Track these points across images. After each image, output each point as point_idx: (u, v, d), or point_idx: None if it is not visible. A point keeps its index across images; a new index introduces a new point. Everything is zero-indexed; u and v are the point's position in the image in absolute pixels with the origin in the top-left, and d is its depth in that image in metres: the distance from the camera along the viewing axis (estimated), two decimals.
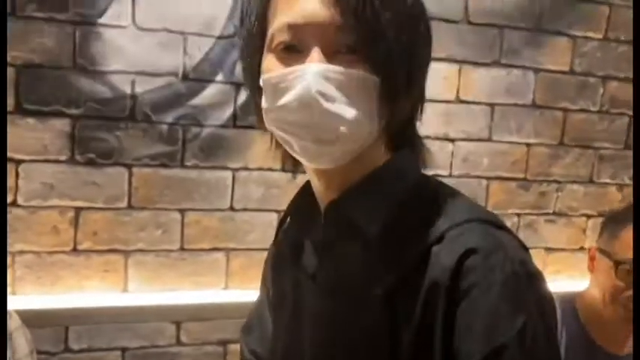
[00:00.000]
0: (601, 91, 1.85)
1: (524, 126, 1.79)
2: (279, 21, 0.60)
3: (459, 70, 1.70)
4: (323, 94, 0.57)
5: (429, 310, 0.58)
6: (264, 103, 0.63)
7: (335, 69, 0.57)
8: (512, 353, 0.55)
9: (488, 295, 0.56)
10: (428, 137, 1.69)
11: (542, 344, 0.56)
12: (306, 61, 0.58)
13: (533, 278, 0.59)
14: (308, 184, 0.71)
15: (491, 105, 1.75)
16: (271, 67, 0.61)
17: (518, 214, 1.82)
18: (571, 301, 1.35)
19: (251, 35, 0.63)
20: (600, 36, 1.82)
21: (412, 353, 0.58)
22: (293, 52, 0.60)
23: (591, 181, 1.88)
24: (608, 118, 1.87)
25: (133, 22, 1.42)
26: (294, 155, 0.64)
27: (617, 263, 1.24)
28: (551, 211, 1.84)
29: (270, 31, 0.61)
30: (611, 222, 1.32)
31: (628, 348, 1.29)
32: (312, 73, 0.57)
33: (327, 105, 0.57)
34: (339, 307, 0.64)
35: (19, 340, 1.21)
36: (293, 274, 0.72)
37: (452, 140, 1.73)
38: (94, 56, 1.41)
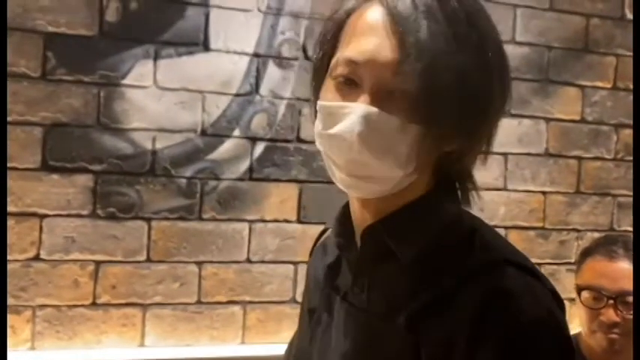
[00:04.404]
0: (615, 138, 1.86)
1: (539, 175, 1.79)
2: (342, 54, 0.64)
3: None
4: (361, 136, 0.60)
5: (451, 343, 0.59)
6: (316, 126, 0.66)
7: (379, 113, 0.60)
8: None
9: (504, 346, 0.56)
10: None
11: None
12: (358, 100, 0.61)
13: (558, 329, 0.59)
14: (346, 206, 0.73)
15: (504, 154, 1.77)
16: (328, 94, 0.65)
17: (539, 264, 1.79)
18: (575, 342, 1.34)
19: (319, 60, 0.68)
20: (609, 85, 1.85)
21: None
22: (350, 84, 0.63)
23: (612, 229, 1.85)
24: (625, 166, 1.87)
25: (155, 83, 1.51)
26: (334, 180, 0.67)
27: (579, 290, 1.27)
28: (572, 261, 1.80)
29: (334, 60, 0.65)
30: (581, 256, 1.36)
31: None
32: (358, 114, 0.60)
33: (363, 146, 0.60)
34: (365, 327, 0.66)
35: None
36: (327, 291, 0.73)
37: None
38: (117, 115, 1.48)
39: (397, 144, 0.61)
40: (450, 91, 0.59)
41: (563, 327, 0.59)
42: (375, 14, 0.62)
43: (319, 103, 0.66)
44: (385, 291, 0.65)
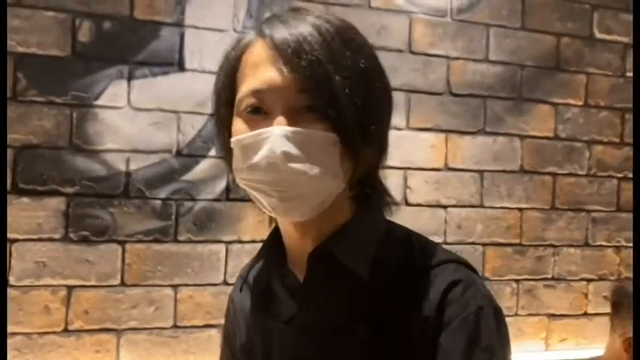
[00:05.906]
0: (587, 155, 1.89)
1: (515, 191, 1.81)
2: (245, 88, 0.67)
3: (446, 139, 1.74)
4: (287, 154, 0.63)
5: (415, 343, 0.64)
6: (234, 164, 0.68)
7: (297, 130, 0.63)
8: None
9: (465, 324, 0.64)
10: (420, 205, 1.71)
11: None
12: (272, 124, 0.64)
13: (499, 311, 0.68)
14: (272, 237, 0.75)
15: (480, 172, 1.78)
16: (240, 129, 0.67)
17: (517, 280, 1.79)
18: None
19: (221, 103, 0.70)
20: (580, 103, 1.89)
21: None
22: (259, 114, 0.66)
23: (587, 245, 1.87)
24: (597, 181, 1.90)
25: (129, 103, 1.49)
26: (265, 211, 0.69)
27: None
28: (549, 276, 1.82)
29: (237, 97, 0.68)
30: None
31: None
32: (277, 135, 0.63)
33: (291, 164, 0.63)
34: (323, 345, 0.68)
35: None
36: (261, 323, 0.74)
37: (444, 207, 1.74)
38: (90, 136, 1.45)
39: (321, 154, 0.64)
40: (352, 102, 0.65)
41: (497, 304, 0.69)
42: (261, 49, 0.67)
43: (233, 139, 0.67)
44: (340, 306, 0.68)
